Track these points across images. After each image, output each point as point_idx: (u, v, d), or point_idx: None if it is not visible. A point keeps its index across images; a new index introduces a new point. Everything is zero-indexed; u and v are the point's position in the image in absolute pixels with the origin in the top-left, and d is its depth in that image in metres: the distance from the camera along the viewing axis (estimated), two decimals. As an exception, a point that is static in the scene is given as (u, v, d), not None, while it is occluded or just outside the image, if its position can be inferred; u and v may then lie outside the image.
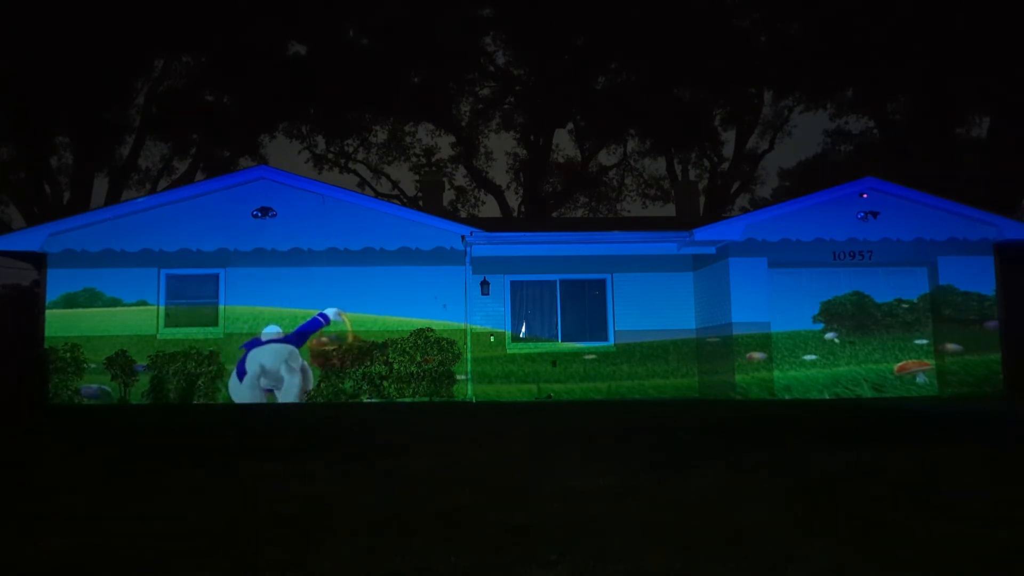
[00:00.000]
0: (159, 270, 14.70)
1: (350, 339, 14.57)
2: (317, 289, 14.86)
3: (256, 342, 14.50)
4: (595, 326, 15.79)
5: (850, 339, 14.75)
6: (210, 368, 14.44)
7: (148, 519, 4.45)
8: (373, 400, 14.62)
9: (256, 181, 15.13)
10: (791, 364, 14.56)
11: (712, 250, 15.22)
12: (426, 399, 14.69)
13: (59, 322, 14.39)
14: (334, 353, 14.66)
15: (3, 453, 7.49)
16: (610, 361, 15.60)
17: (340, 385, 14.63)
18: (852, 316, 14.81)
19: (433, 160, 30.63)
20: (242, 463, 6.57)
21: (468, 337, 15.09)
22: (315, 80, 25.45)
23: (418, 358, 14.81)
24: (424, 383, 14.75)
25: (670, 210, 29.75)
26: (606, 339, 15.73)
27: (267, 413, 12.10)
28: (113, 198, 25.20)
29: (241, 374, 14.37)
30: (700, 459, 6.65)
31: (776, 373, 14.43)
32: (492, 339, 15.40)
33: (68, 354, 14.25)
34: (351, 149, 30.52)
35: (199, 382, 14.38)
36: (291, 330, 14.72)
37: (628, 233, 15.87)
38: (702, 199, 27.97)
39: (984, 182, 23.45)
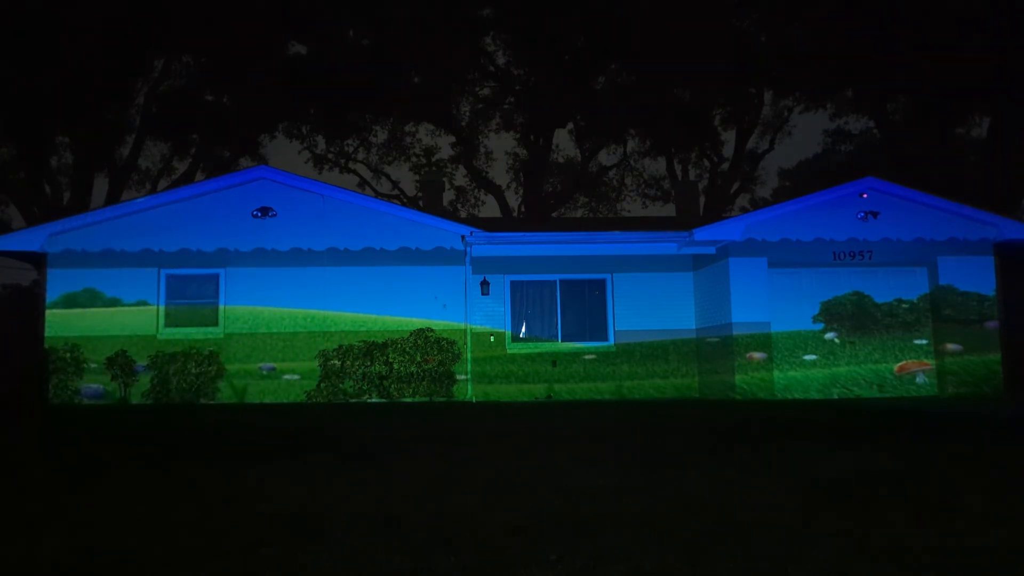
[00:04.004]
0: (159, 270, 14.71)
1: None
2: (317, 289, 14.87)
3: None
4: (595, 326, 15.79)
5: (850, 339, 14.75)
6: (210, 368, 14.44)
7: (147, 519, 4.45)
8: (373, 400, 14.62)
9: (256, 181, 15.13)
10: (791, 364, 14.56)
11: (712, 250, 15.21)
12: (426, 399, 14.69)
13: (59, 322, 14.39)
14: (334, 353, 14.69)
15: (3, 453, 7.49)
16: (610, 361, 15.60)
17: (340, 385, 14.63)
18: (852, 316, 14.81)
19: (433, 160, 30.64)
20: (242, 463, 6.56)
21: (468, 337, 15.09)
22: (315, 80, 25.46)
23: (418, 358, 14.81)
24: (424, 383, 14.75)
25: (670, 210, 29.77)
26: (606, 339, 15.72)
27: (267, 413, 12.11)
28: (113, 198, 25.21)
29: None
30: (700, 459, 6.65)
31: (776, 373, 14.42)
32: (492, 339, 15.40)
33: (68, 354, 14.25)
34: (351, 149, 30.54)
35: (199, 382, 14.38)
36: (290, 331, 14.73)
37: (628, 233, 15.87)
38: (702, 199, 28.02)
39: (984, 182, 23.44)
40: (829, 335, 14.75)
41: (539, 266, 15.72)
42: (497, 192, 31.19)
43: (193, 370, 14.42)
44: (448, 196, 30.00)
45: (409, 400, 14.67)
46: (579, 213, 32.50)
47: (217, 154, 27.60)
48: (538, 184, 29.97)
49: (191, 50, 25.90)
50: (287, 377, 14.62)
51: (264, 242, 14.90)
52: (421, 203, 24.09)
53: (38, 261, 15.21)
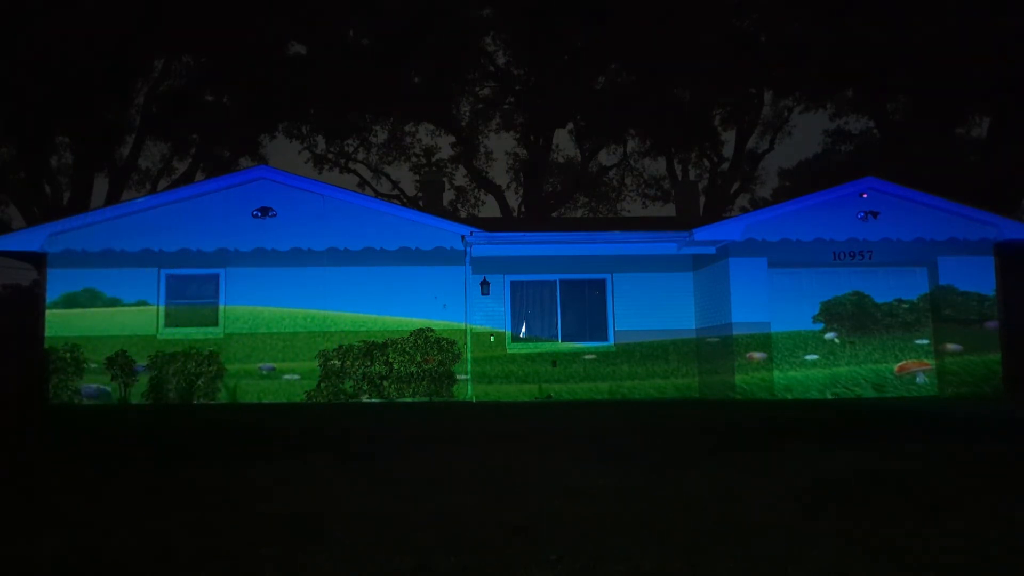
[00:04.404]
0: (159, 270, 14.71)
1: None
2: (317, 289, 14.87)
3: None
4: (595, 326, 15.79)
5: (850, 339, 14.75)
6: (210, 368, 14.44)
7: (147, 519, 4.45)
8: (373, 400, 14.62)
9: (256, 181, 15.13)
10: (791, 364, 14.56)
11: (712, 250, 15.21)
12: (426, 399, 14.69)
13: (59, 322, 14.39)
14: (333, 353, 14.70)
15: (3, 453, 7.48)
16: (610, 361, 15.60)
17: (340, 385, 14.63)
18: (852, 316, 14.81)
19: (433, 160, 30.64)
20: (241, 463, 6.56)
21: (468, 337, 15.09)
22: (315, 80, 25.45)
23: (418, 358, 14.81)
24: (424, 383, 14.75)
25: (670, 210, 29.77)
26: (606, 339, 15.72)
27: (266, 413, 12.10)
28: (113, 198, 25.21)
29: None
30: (700, 459, 6.65)
31: (776, 373, 14.42)
32: (492, 339, 15.40)
33: (68, 354, 14.25)
34: (351, 149, 30.53)
35: (199, 382, 14.38)
36: (290, 331, 14.73)
37: (628, 233, 15.87)
38: (702, 199, 28.01)
39: (984, 182, 23.44)
40: (829, 335, 14.75)
41: (539, 266, 15.72)
42: (497, 192, 31.20)
43: (193, 370, 14.41)
44: (448, 196, 30.01)
45: (409, 400, 14.67)
46: (579, 213, 32.51)
47: (217, 154, 27.59)
48: (538, 184, 29.97)
49: (191, 50, 25.90)
50: (287, 377, 14.62)
51: (264, 242, 14.90)
52: (421, 203, 24.08)
53: (38, 261, 15.21)
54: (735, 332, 14.41)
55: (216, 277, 14.82)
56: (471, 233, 15.12)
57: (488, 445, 7.79)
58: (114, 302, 14.55)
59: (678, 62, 26.16)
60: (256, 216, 14.94)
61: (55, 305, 14.46)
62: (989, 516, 4.42)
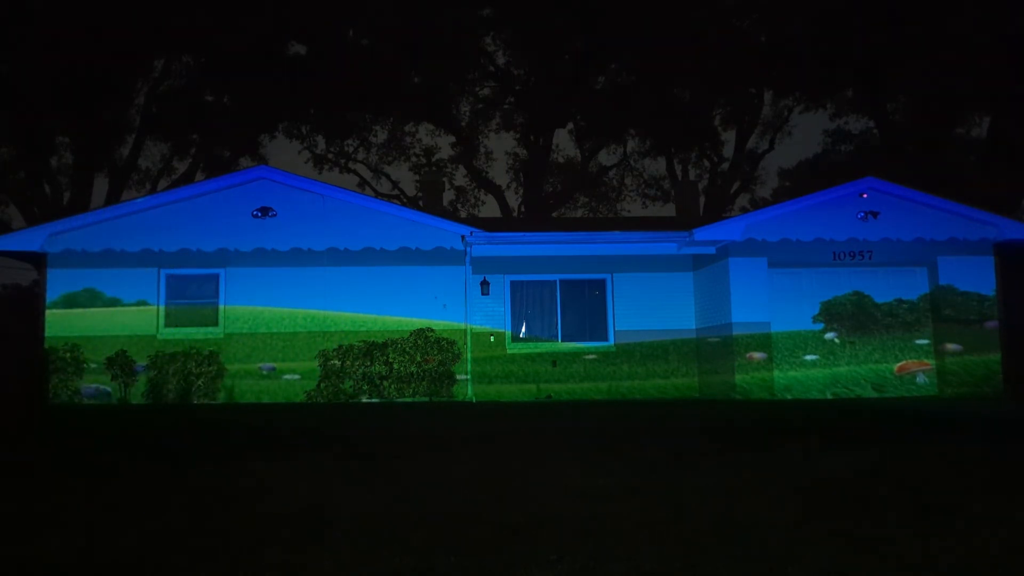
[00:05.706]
0: (159, 270, 14.70)
1: None
2: (317, 289, 14.87)
3: None
4: (595, 326, 15.79)
5: (850, 339, 14.75)
6: (210, 368, 14.44)
7: (147, 519, 4.45)
8: (373, 400, 14.62)
9: (256, 181, 15.13)
10: (791, 364, 14.56)
11: (712, 250, 15.21)
12: (426, 399, 14.69)
13: (59, 322, 14.39)
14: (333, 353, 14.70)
15: (3, 453, 7.48)
16: (610, 361, 15.60)
17: (340, 385, 14.63)
18: (852, 316, 14.81)
19: (433, 160, 30.64)
20: (242, 463, 6.57)
21: (468, 337, 15.09)
22: (315, 80, 25.46)
23: (418, 358, 14.81)
24: (424, 383, 14.75)
25: (670, 210, 29.77)
26: (606, 339, 15.72)
27: (266, 413, 12.10)
28: (113, 198, 25.22)
29: None
30: (700, 459, 6.65)
31: (776, 373, 14.42)
32: (492, 339, 15.40)
33: (68, 354, 14.25)
34: (351, 149, 30.54)
35: (199, 382, 14.38)
36: (290, 331, 14.74)
37: (628, 233, 15.87)
38: (702, 199, 28.01)
39: (984, 182, 23.44)
40: (829, 335, 14.74)
41: (539, 266, 15.72)
42: (497, 192, 31.21)
43: (193, 370, 14.41)
44: (448, 196, 30.03)
45: (409, 400, 14.66)
46: (579, 213, 32.51)
47: (217, 154, 27.60)
48: (538, 184, 29.97)
49: (191, 50, 25.90)
50: (287, 377, 14.62)
51: (264, 242, 14.90)
52: (421, 203, 24.09)
53: (38, 261, 15.20)
54: (735, 332, 14.41)
55: (216, 277, 14.81)
56: (471, 233, 15.12)
57: (488, 445, 7.79)
58: (114, 302, 14.55)
59: (678, 62, 26.15)
60: (256, 216, 14.94)
61: (55, 305, 14.46)
62: (989, 516, 4.42)
